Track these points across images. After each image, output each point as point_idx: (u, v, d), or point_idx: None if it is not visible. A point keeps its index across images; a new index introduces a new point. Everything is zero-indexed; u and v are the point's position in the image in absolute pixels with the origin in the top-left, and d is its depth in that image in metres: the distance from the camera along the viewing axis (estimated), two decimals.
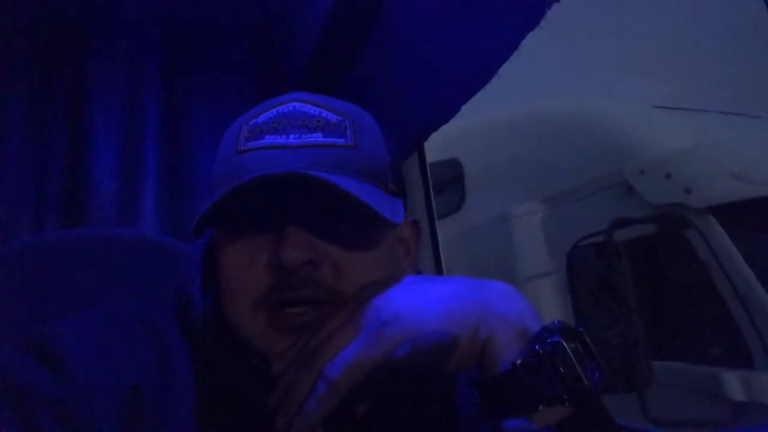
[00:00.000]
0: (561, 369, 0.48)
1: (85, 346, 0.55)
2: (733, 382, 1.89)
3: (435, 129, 1.34)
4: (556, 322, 0.51)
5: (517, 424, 0.49)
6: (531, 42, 0.98)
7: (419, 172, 1.44)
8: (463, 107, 1.22)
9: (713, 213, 2.03)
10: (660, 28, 4.62)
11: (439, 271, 1.43)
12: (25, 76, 1.28)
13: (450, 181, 3.05)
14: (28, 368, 0.52)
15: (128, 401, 0.53)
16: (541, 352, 0.49)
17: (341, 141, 0.57)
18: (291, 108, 0.59)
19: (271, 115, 0.58)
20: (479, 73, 1.08)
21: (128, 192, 1.31)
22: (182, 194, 1.34)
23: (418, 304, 0.52)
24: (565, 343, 0.49)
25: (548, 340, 0.49)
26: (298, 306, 0.55)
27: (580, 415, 0.49)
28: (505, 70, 1.06)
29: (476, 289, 0.53)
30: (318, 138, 0.57)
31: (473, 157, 3.04)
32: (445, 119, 1.27)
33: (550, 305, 2.38)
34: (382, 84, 1.18)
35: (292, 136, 0.56)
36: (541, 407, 0.49)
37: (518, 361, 0.49)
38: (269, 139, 0.57)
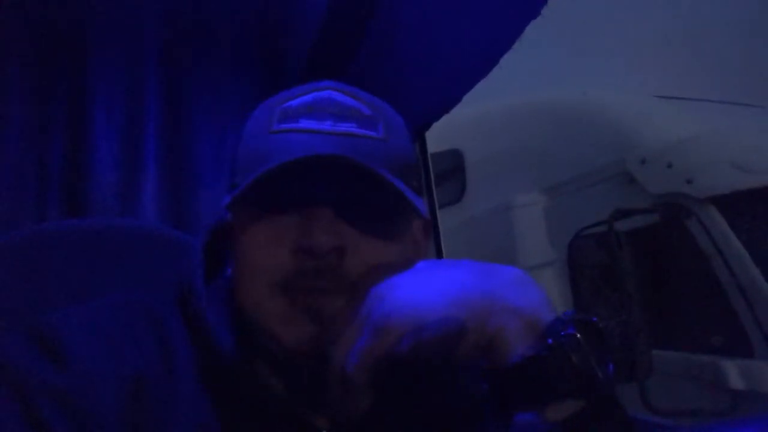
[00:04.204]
0: (575, 363, 0.47)
1: (86, 336, 0.55)
2: (732, 372, 1.90)
3: (436, 119, 1.34)
4: (569, 312, 0.50)
5: (528, 419, 0.48)
6: (532, 32, 0.98)
7: (421, 163, 1.44)
8: (465, 97, 1.22)
9: (714, 203, 2.03)
10: (662, 18, 4.59)
11: None
12: (25, 68, 1.27)
13: (451, 171, 3.04)
14: (30, 359, 0.52)
15: (130, 391, 0.53)
16: (554, 345, 0.47)
17: (373, 134, 0.57)
18: (327, 95, 0.58)
19: (306, 100, 0.58)
20: (481, 62, 1.07)
21: (129, 183, 1.31)
22: (183, 185, 1.34)
23: (423, 294, 0.50)
24: (579, 336, 0.47)
25: (562, 333, 0.48)
26: (318, 294, 0.54)
27: (592, 408, 0.48)
28: (507, 60, 1.05)
29: (485, 277, 0.52)
30: (352, 128, 0.56)
31: (474, 148, 3.03)
32: (447, 109, 1.27)
33: (551, 295, 2.36)
34: (384, 74, 1.18)
35: (326, 122, 0.56)
36: (552, 401, 0.48)
37: (530, 355, 0.48)
38: (304, 123, 0.56)
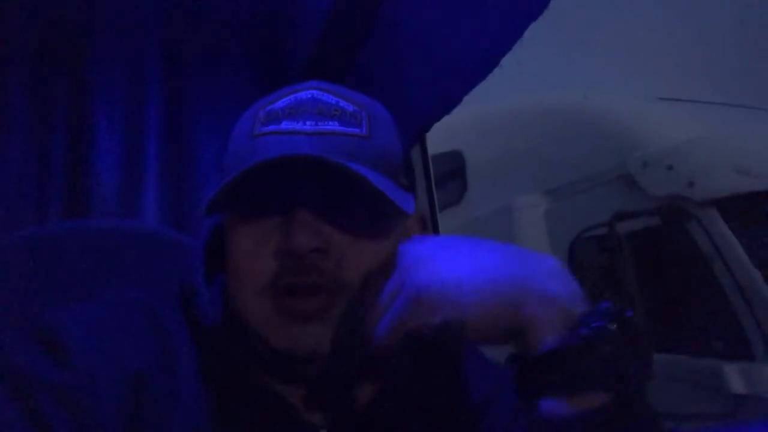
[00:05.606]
0: (607, 356, 0.46)
1: (88, 334, 0.55)
2: (733, 375, 1.89)
3: (437, 120, 1.33)
4: (605, 304, 0.49)
5: (553, 407, 0.47)
6: (534, 34, 0.98)
7: (421, 164, 1.43)
8: (465, 99, 1.21)
9: (715, 205, 2.03)
10: (665, 20, 4.59)
11: None
12: (26, 69, 1.28)
13: (452, 172, 3.04)
14: (32, 356, 0.53)
15: (131, 389, 0.53)
16: (588, 336, 0.47)
17: (356, 131, 0.57)
18: (309, 95, 0.58)
19: (288, 102, 0.58)
20: (481, 63, 1.07)
21: (130, 184, 1.31)
22: (184, 186, 1.34)
23: (459, 272, 0.50)
24: (611, 329, 0.47)
25: (593, 325, 0.47)
26: (303, 293, 0.54)
27: (618, 402, 0.47)
28: (507, 61, 1.05)
29: (522, 263, 0.51)
30: (334, 126, 0.56)
31: (475, 149, 3.04)
32: (447, 110, 1.26)
33: None
34: (384, 75, 1.18)
35: (308, 122, 0.56)
36: (580, 393, 0.47)
37: (561, 345, 0.47)
38: (285, 125, 0.56)
